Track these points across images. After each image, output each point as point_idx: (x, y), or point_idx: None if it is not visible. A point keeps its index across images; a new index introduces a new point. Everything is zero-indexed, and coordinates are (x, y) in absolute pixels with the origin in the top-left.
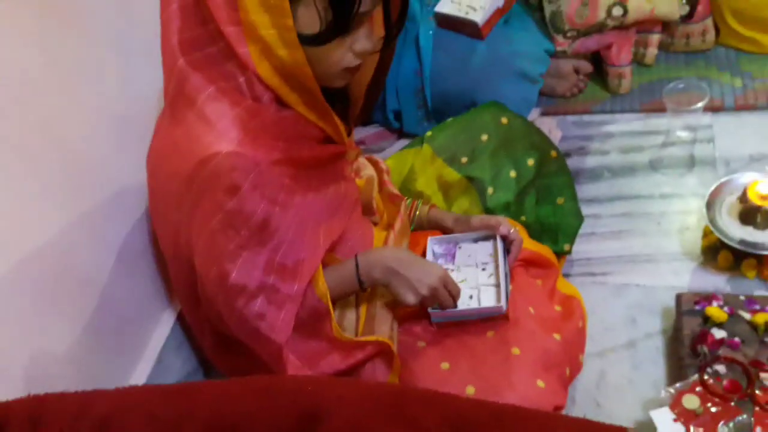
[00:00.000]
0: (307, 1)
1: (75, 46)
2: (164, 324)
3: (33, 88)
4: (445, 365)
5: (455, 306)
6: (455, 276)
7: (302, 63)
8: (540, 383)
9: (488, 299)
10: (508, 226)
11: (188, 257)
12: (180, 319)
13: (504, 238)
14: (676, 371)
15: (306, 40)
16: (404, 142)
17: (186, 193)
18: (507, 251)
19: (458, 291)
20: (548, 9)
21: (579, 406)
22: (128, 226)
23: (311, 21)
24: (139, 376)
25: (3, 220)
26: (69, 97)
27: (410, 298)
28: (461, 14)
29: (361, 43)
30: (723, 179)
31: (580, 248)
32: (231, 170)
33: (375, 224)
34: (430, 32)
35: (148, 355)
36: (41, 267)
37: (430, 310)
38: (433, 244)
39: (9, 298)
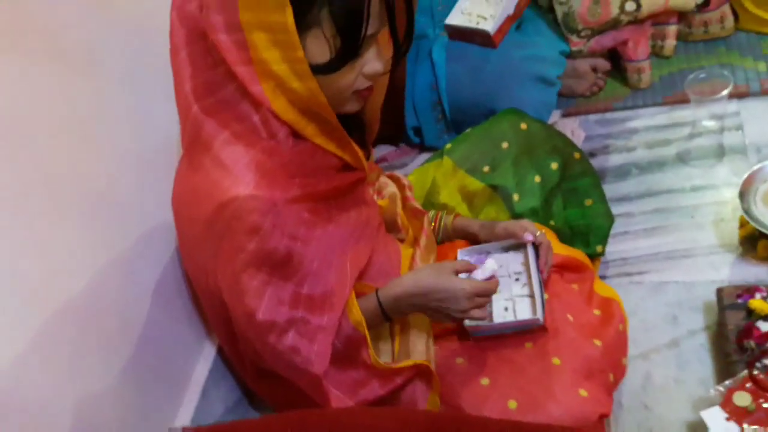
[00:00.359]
0: (315, 31)
1: (92, 93)
2: (205, 357)
3: (53, 137)
4: (485, 381)
5: (488, 316)
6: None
7: (317, 93)
8: (583, 392)
9: (524, 311)
10: (533, 229)
11: (219, 295)
12: (221, 350)
13: (533, 245)
14: (723, 368)
15: (318, 70)
16: (426, 155)
17: (208, 237)
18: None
19: (493, 293)
20: (560, 10)
21: (627, 411)
22: (160, 265)
23: (321, 50)
24: (185, 412)
25: (37, 269)
26: (90, 144)
27: (445, 322)
28: (472, 25)
29: (372, 65)
30: (755, 167)
31: (614, 249)
32: (250, 213)
33: (402, 240)
34: (443, 45)
35: (192, 389)
36: (79, 313)
37: (466, 325)
38: (464, 256)
39: (51, 346)
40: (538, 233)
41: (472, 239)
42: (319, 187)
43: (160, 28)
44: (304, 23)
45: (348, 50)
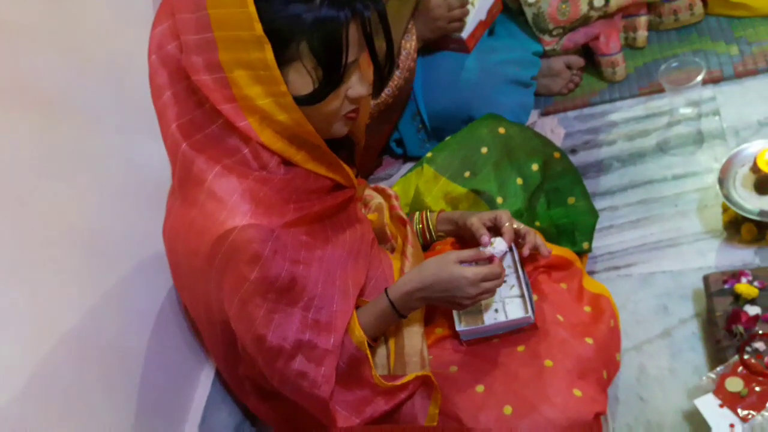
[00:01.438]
0: (296, 64)
1: (73, 136)
2: (204, 382)
3: (42, 183)
4: (479, 388)
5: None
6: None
7: (303, 123)
8: (577, 392)
9: (514, 311)
10: (505, 219)
11: (223, 320)
12: (219, 375)
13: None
14: (715, 355)
15: (302, 101)
16: (410, 165)
17: (209, 269)
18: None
19: (499, 276)
20: (529, 12)
21: (623, 404)
22: (154, 295)
23: (303, 82)
24: None
25: (32, 308)
26: (76, 185)
27: (458, 309)
28: None
29: (355, 90)
30: (731, 152)
31: (601, 243)
32: (249, 242)
33: (392, 249)
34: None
35: (193, 416)
36: (76, 349)
37: (458, 329)
38: None
39: (48, 384)
40: (514, 225)
41: (457, 232)
42: (314, 208)
43: (135, 67)
44: (283, 58)
45: (330, 80)
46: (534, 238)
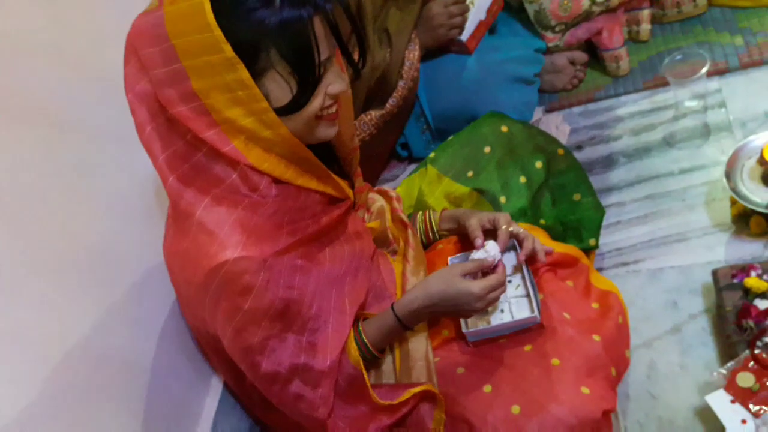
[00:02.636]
0: (270, 73)
1: (80, 148)
2: (214, 389)
3: (42, 198)
4: (487, 388)
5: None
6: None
7: (288, 137)
8: (585, 390)
9: (520, 311)
10: (505, 221)
11: (221, 343)
12: (227, 383)
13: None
14: (726, 350)
15: (285, 110)
16: (415, 166)
17: (203, 299)
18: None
19: (503, 284)
20: (530, 9)
21: (634, 401)
22: (161, 304)
23: (281, 90)
24: None
25: (39, 324)
26: (79, 199)
27: (463, 317)
28: None
29: (334, 86)
30: (738, 144)
31: (609, 240)
32: (241, 274)
33: (395, 252)
34: None
35: (203, 425)
36: (83, 363)
37: (465, 331)
38: (454, 261)
39: (61, 391)
40: (511, 228)
41: (459, 230)
42: (308, 230)
43: None
44: (256, 70)
45: (308, 82)
46: (531, 243)
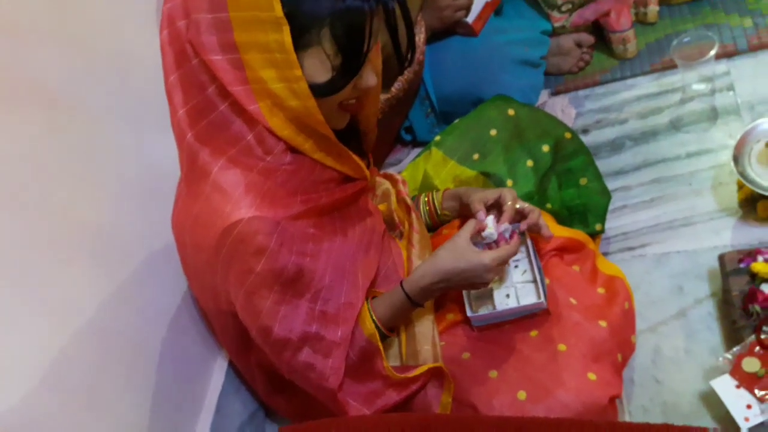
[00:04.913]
0: (315, 49)
1: (85, 133)
2: (217, 373)
3: (52, 180)
4: (493, 373)
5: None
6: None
7: (315, 111)
8: (591, 376)
9: (527, 296)
10: (511, 196)
11: (232, 311)
12: (232, 365)
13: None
14: (731, 335)
15: (318, 90)
16: (419, 150)
17: (215, 262)
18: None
19: (510, 253)
20: None
21: (638, 386)
22: (166, 288)
23: (320, 69)
24: (202, 429)
25: (51, 304)
26: (87, 181)
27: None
28: None
29: (366, 80)
30: (746, 128)
31: (614, 224)
32: (255, 234)
33: (402, 235)
34: None
35: (207, 406)
36: (92, 343)
37: (470, 314)
38: None
39: (69, 374)
40: (518, 205)
41: (461, 210)
42: (321, 201)
43: (140, 62)
44: (302, 42)
45: (349, 69)
46: (536, 217)
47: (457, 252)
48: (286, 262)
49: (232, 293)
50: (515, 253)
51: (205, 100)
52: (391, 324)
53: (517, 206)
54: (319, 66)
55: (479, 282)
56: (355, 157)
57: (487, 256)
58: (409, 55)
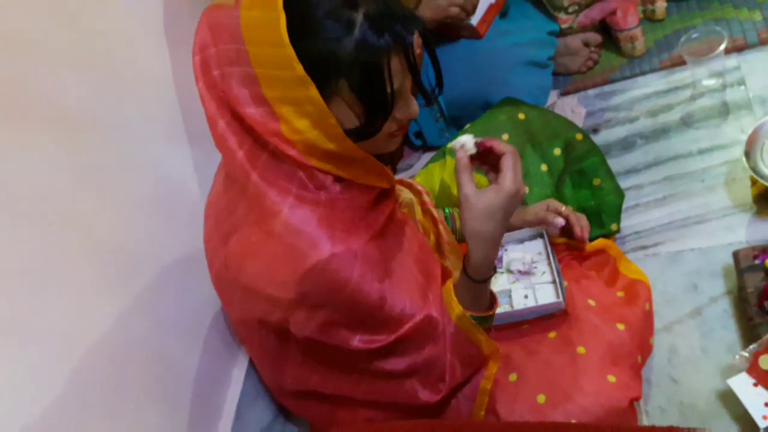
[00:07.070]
0: (335, 100)
1: (99, 147)
2: (236, 380)
3: (70, 196)
4: (512, 377)
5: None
6: (506, 278)
7: (353, 149)
8: (611, 378)
9: (545, 296)
10: (557, 205)
11: (281, 330)
12: (250, 371)
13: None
14: (748, 332)
15: (356, 135)
16: (430, 155)
17: (299, 299)
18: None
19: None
20: None
21: (655, 386)
22: (183, 298)
23: (346, 117)
24: None
25: (71, 316)
26: (100, 195)
27: None
28: None
29: (404, 112)
30: (758, 123)
31: (627, 223)
32: (336, 272)
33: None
34: None
35: (227, 413)
36: (113, 351)
37: None
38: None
39: (89, 384)
40: (563, 208)
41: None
42: (379, 222)
43: (151, 76)
44: (324, 94)
45: (379, 112)
46: (584, 220)
47: (483, 210)
48: (370, 290)
49: (316, 333)
50: (514, 151)
51: (255, 145)
52: (479, 306)
53: (563, 210)
54: (345, 115)
55: (517, 206)
56: (387, 169)
57: (508, 182)
58: (438, 89)
